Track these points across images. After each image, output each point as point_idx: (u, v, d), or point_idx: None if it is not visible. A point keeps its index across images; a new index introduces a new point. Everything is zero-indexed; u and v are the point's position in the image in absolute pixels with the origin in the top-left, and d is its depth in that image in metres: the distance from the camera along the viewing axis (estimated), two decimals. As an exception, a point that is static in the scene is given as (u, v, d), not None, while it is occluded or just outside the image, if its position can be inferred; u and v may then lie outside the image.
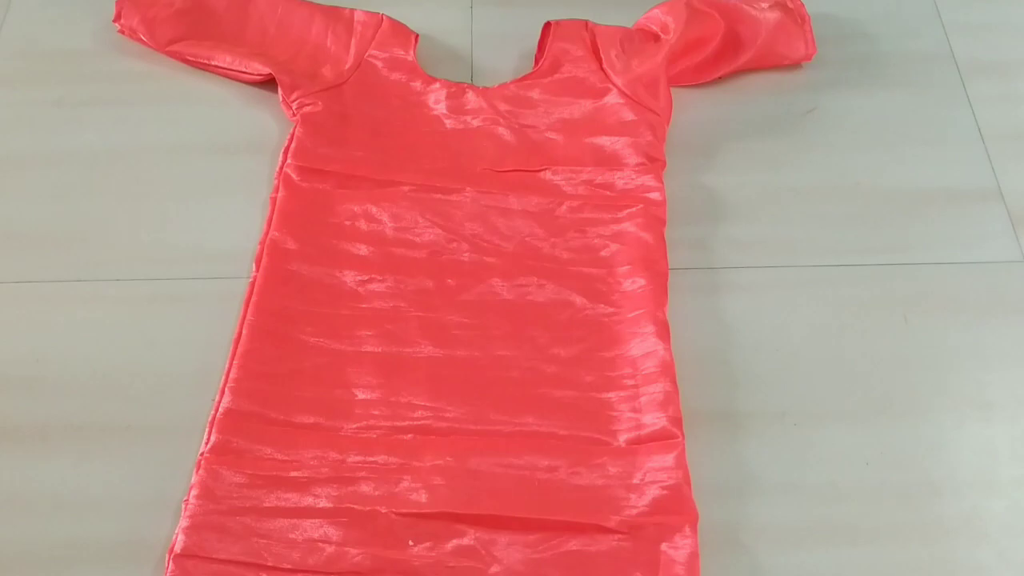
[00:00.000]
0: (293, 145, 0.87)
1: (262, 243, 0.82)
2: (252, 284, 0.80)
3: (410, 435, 0.73)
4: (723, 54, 0.95)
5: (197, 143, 0.93)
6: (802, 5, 0.98)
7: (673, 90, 0.95)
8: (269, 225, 0.83)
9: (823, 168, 0.92)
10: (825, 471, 0.75)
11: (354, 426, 0.74)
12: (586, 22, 0.95)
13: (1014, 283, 0.85)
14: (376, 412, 0.74)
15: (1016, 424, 0.78)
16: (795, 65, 0.98)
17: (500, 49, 0.99)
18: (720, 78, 0.96)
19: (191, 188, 0.90)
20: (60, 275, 0.84)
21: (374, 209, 0.84)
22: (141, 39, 0.96)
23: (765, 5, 0.96)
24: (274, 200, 0.85)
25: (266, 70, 0.92)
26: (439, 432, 0.73)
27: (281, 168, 0.86)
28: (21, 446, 0.75)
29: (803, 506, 0.73)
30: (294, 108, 0.90)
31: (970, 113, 0.97)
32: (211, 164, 0.91)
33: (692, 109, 0.95)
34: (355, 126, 0.89)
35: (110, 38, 0.99)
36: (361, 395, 0.75)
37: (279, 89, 0.91)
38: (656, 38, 0.94)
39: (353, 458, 0.72)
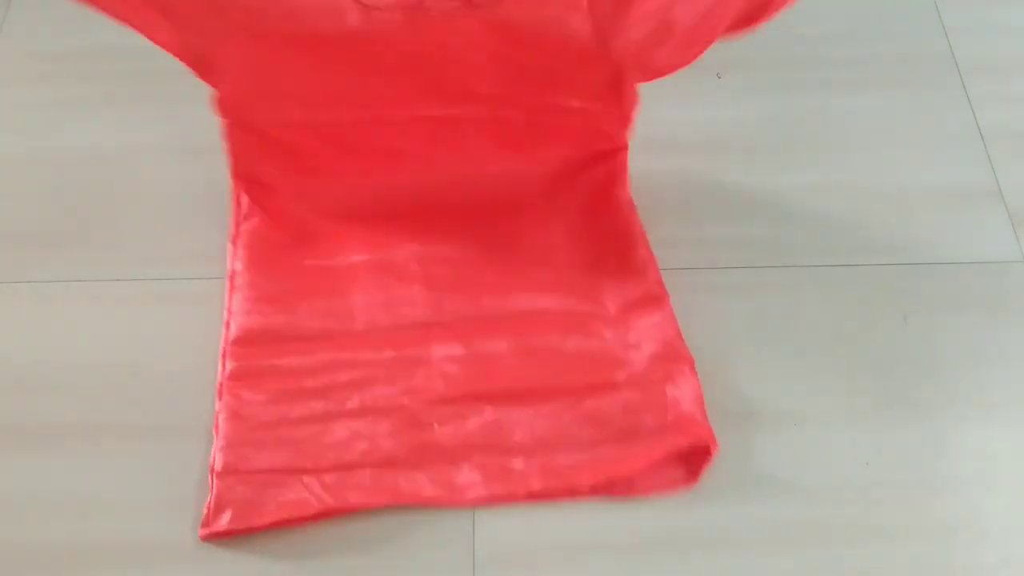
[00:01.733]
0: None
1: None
2: (236, 225, 0.84)
3: (417, 331, 0.77)
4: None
5: (196, 143, 0.92)
6: None
7: (673, 91, 0.94)
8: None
9: (823, 168, 0.92)
10: (825, 471, 0.75)
11: (360, 328, 0.77)
12: None
13: (1014, 283, 0.85)
14: (379, 315, 0.78)
15: (1016, 424, 0.78)
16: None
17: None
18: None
19: (191, 187, 0.90)
20: (60, 275, 0.84)
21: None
22: None
23: None
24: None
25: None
26: (442, 325, 0.78)
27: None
28: (21, 446, 0.75)
29: (803, 506, 0.73)
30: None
31: (970, 113, 0.97)
32: (211, 164, 0.91)
33: (692, 108, 0.95)
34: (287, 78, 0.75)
35: (110, 38, 0.99)
36: (361, 300, 0.79)
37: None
38: None
39: (366, 356, 0.76)
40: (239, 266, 0.81)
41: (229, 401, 0.74)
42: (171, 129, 0.94)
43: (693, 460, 0.73)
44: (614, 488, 0.72)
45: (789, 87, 0.98)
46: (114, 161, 0.92)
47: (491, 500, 0.71)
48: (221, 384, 0.75)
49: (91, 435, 0.76)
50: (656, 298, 0.79)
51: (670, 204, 0.88)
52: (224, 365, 0.76)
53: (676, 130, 0.94)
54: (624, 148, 0.84)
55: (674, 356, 0.77)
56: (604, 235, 0.83)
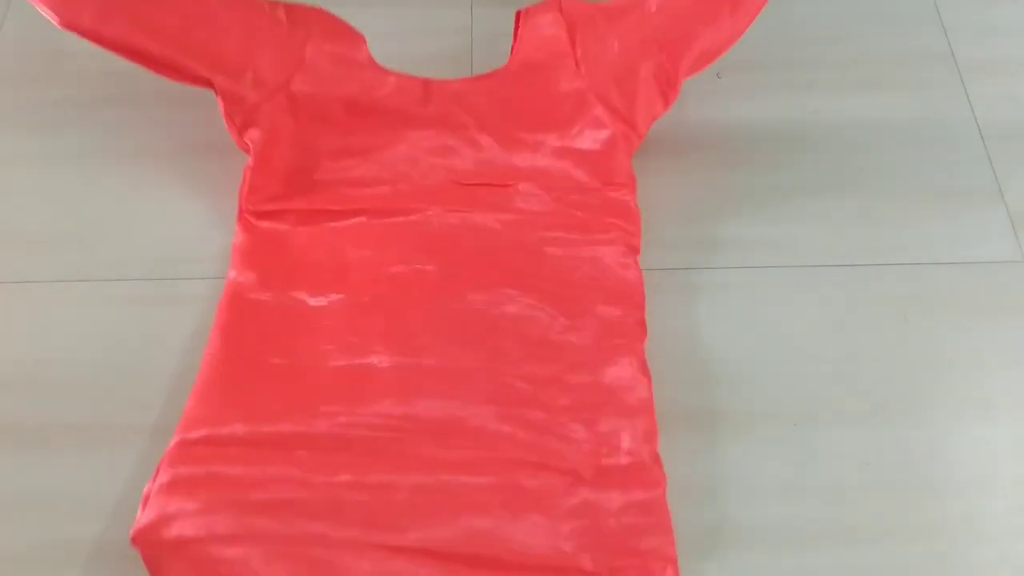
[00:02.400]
0: (246, 188, 0.83)
1: (226, 284, 0.80)
2: (215, 322, 0.77)
3: (379, 454, 0.70)
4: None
5: (197, 143, 0.93)
6: None
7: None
8: (231, 267, 0.80)
9: (823, 168, 0.92)
10: (825, 471, 0.75)
11: (322, 436, 0.70)
12: (559, 2, 0.87)
13: (1014, 283, 0.85)
14: (344, 428, 0.71)
15: (1016, 424, 0.78)
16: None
17: (500, 49, 0.99)
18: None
19: (191, 188, 0.90)
20: (60, 275, 0.84)
21: (336, 243, 0.81)
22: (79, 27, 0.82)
23: None
24: (236, 245, 0.81)
25: (203, 74, 0.83)
26: (410, 441, 0.70)
27: (241, 211, 0.83)
28: (21, 446, 0.75)
29: (803, 506, 0.73)
30: (239, 125, 0.84)
31: (970, 113, 0.97)
32: (211, 163, 0.91)
33: (693, 108, 0.95)
34: (303, 148, 0.85)
35: (110, 38, 0.99)
36: (325, 408, 0.72)
37: (219, 101, 0.84)
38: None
39: (318, 478, 0.68)
40: (211, 350, 0.75)
41: (151, 515, 0.66)
42: (171, 129, 0.94)
43: None
44: None
45: (789, 87, 0.98)
46: (114, 161, 0.92)
47: None
48: (146, 495, 0.68)
49: (91, 435, 0.76)
50: (650, 474, 0.70)
51: (670, 204, 0.88)
52: (157, 473, 0.69)
53: (676, 130, 0.93)
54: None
55: (656, 548, 0.67)
56: (610, 390, 0.74)
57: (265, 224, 0.82)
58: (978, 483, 0.75)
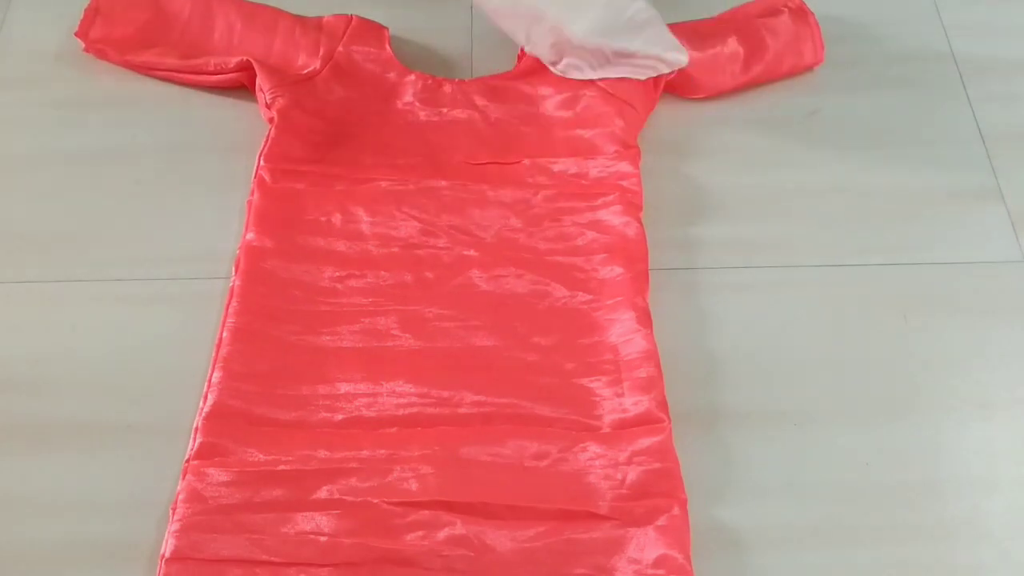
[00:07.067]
0: (266, 148, 0.86)
1: (240, 247, 0.82)
2: (232, 288, 0.79)
3: (395, 428, 0.73)
4: (728, 70, 0.94)
5: (197, 143, 0.93)
6: (810, 11, 0.98)
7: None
8: (246, 228, 0.83)
9: (823, 168, 0.92)
10: (825, 471, 0.75)
11: (339, 417, 0.74)
12: None
13: (1014, 283, 0.85)
14: (360, 404, 0.75)
15: (1016, 424, 0.78)
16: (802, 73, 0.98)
17: (500, 49, 0.99)
18: (724, 94, 0.96)
19: (191, 188, 0.90)
20: (60, 275, 0.84)
21: (349, 205, 0.85)
22: (108, 56, 0.96)
23: (774, 20, 0.96)
24: (251, 204, 0.84)
25: (242, 59, 0.91)
26: (425, 422, 0.74)
27: (256, 171, 0.86)
28: (20, 446, 0.75)
29: (803, 506, 0.73)
30: (268, 99, 0.89)
31: (970, 113, 0.97)
32: (211, 163, 0.91)
33: (693, 109, 0.95)
34: (328, 123, 0.89)
35: (110, 38, 0.99)
36: (344, 388, 0.75)
37: (256, 76, 0.90)
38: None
39: (340, 453, 0.72)
40: (226, 335, 0.77)
41: (191, 481, 0.69)
42: (172, 129, 0.94)
43: None
44: None
45: (789, 87, 0.98)
46: (114, 161, 0.92)
47: None
48: (188, 461, 0.71)
49: (90, 435, 0.76)
50: (656, 420, 0.73)
51: (670, 204, 0.88)
52: (195, 438, 0.72)
53: (676, 130, 0.94)
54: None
55: (666, 490, 0.70)
56: (612, 347, 0.77)
57: (279, 185, 0.85)
58: (978, 483, 0.75)
